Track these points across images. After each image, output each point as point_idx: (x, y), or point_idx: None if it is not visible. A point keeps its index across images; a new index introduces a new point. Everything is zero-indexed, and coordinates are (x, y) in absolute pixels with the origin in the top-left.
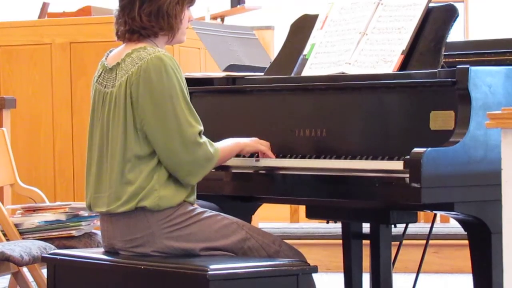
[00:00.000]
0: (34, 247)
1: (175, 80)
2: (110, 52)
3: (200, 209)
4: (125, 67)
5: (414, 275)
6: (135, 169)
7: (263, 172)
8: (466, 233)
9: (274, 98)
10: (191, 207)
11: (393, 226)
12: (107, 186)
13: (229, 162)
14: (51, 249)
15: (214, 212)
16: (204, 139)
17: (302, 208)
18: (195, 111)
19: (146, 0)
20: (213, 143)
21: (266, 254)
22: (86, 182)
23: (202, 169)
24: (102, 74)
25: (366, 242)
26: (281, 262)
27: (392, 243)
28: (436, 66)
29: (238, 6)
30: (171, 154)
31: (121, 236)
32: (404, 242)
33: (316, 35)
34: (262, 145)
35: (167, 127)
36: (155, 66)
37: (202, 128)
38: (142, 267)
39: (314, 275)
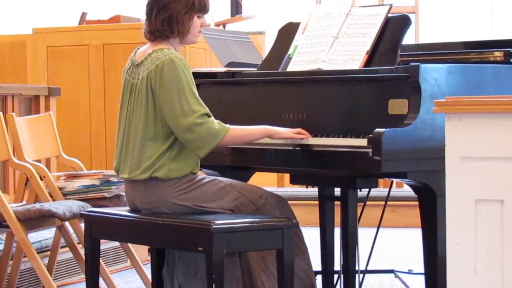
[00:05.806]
0: (74, 206)
1: (182, 75)
2: (138, 49)
3: (201, 176)
4: (147, 64)
5: (375, 229)
6: (152, 146)
7: (256, 147)
8: (416, 196)
9: (265, 88)
10: (194, 176)
11: (359, 190)
12: (129, 157)
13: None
14: (87, 207)
15: (212, 177)
16: (206, 119)
17: (286, 176)
18: (199, 98)
19: (161, 9)
20: (222, 123)
21: (255, 207)
22: (116, 151)
23: (207, 143)
24: (131, 67)
25: (337, 203)
26: (270, 219)
27: (358, 203)
28: (394, 63)
29: (237, 15)
30: (179, 132)
31: (140, 199)
32: (368, 203)
33: (298, 39)
34: (294, 133)
35: (174, 111)
36: (168, 65)
37: (206, 110)
38: (160, 222)
39: None
